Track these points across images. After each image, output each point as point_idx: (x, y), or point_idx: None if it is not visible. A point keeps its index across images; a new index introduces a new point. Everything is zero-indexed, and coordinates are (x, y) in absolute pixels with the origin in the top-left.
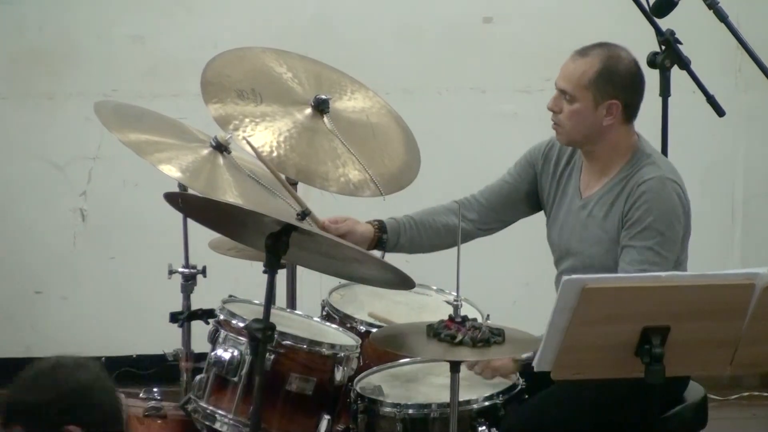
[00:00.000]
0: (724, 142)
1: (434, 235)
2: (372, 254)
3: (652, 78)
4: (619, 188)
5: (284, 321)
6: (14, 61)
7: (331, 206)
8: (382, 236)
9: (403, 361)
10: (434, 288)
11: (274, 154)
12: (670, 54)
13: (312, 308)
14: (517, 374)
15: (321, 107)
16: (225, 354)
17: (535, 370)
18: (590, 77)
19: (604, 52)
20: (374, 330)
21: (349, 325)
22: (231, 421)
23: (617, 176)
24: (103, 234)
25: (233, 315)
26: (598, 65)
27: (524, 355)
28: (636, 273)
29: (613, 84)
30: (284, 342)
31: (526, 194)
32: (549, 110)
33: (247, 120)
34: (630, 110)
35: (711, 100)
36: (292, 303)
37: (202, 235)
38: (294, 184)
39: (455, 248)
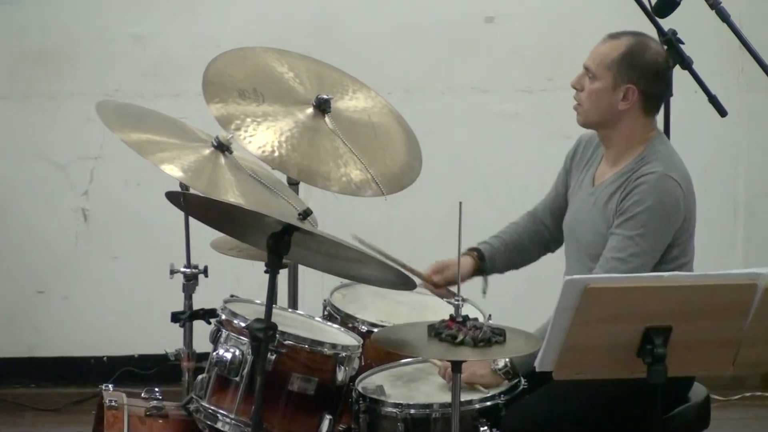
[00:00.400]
0: (726, 142)
1: (522, 252)
2: (373, 254)
3: None
4: (623, 179)
5: (286, 321)
6: (16, 61)
7: (333, 206)
8: (482, 265)
9: (404, 361)
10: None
11: (276, 154)
12: (672, 54)
13: (313, 308)
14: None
15: (322, 107)
16: (227, 354)
17: (537, 370)
18: (613, 58)
19: (634, 38)
20: (375, 330)
21: (350, 325)
22: (233, 421)
23: (625, 168)
24: (105, 234)
25: (235, 315)
26: (624, 48)
27: (501, 363)
28: (610, 259)
29: (634, 69)
30: (286, 342)
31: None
32: (572, 87)
33: (248, 120)
34: (648, 101)
35: (713, 101)
36: (293, 303)
37: (203, 234)
38: (295, 184)
39: (454, 247)
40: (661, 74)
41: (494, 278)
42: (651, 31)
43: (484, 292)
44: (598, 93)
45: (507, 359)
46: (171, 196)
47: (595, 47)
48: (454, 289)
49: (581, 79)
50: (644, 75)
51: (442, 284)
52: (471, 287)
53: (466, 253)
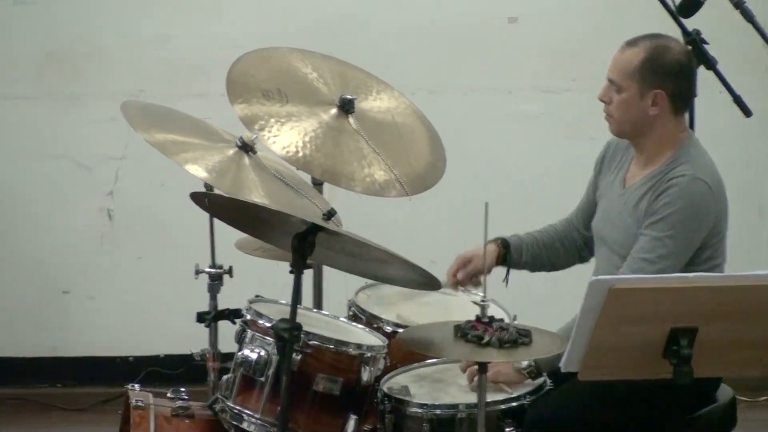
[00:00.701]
0: (751, 142)
1: (554, 253)
2: (398, 254)
3: None
4: (654, 181)
5: (311, 321)
6: (41, 61)
7: (357, 207)
8: (507, 253)
9: (429, 362)
10: (461, 288)
11: (300, 154)
12: (696, 54)
13: (338, 308)
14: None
15: (346, 107)
16: (252, 354)
17: (562, 370)
18: (635, 66)
19: (652, 42)
20: (401, 330)
21: (375, 326)
22: (258, 421)
23: (656, 169)
24: (130, 234)
25: (260, 315)
26: (644, 54)
27: (524, 362)
28: (638, 260)
29: (658, 73)
30: (311, 342)
31: None
32: (600, 100)
33: (272, 120)
34: (678, 101)
35: (738, 101)
36: (318, 303)
37: (228, 235)
38: (320, 185)
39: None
40: (685, 72)
41: (518, 278)
42: (675, 32)
43: (506, 282)
44: (626, 103)
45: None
46: (195, 197)
47: (614, 57)
48: (476, 283)
49: (607, 91)
50: (669, 77)
51: (466, 279)
52: (498, 287)
53: (491, 241)
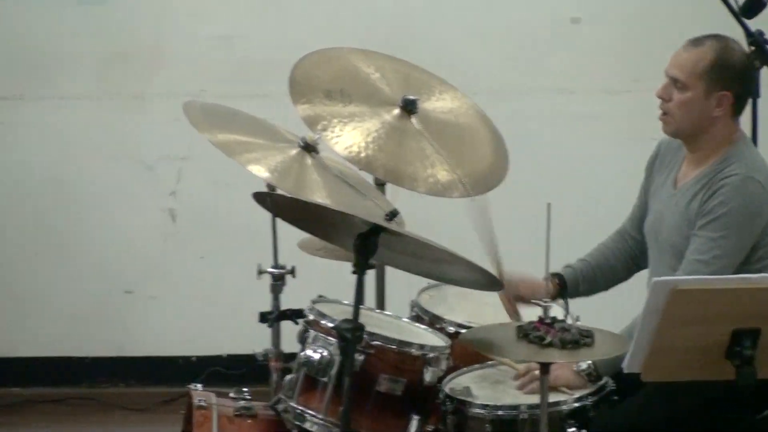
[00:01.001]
0: None
1: (610, 273)
2: (460, 255)
3: None
4: (706, 180)
5: (373, 321)
6: (103, 61)
7: (420, 207)
8: (563, 292)
9: (491, 363)
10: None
11: (363, 154)
12: (759, 55)
13: (401, 309)
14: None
15: (409, 108)
16: (314, 354)
17: (625, 371)
18: (704, 66)
19: (719, 43)
20: (463, 331)
21: (438, 326)
22: (321, 421)
23: (708, 169)
24: (193, 234)
25: (322, 315)
26: (713, 55)
27: (583, 365)
28: (693, 261)
29: (726, 75)
30: (373, 342)
31: None
32: (658, 98)
33: (335, 120)
34: (740, 103)
35: None
36: (380, 303)
37: (291, 235)
38: (382, 185)
39: (541, 247)
40: (749, 74)
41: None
42: (736, 32)
43: (567, 316)
44: (689, 103)
45: (590, 362)
46: (258, 197)
47: (677, 55)
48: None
49: (668, 88)
50: (737, 79)
51: (516, 299)
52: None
53: (549, 278)
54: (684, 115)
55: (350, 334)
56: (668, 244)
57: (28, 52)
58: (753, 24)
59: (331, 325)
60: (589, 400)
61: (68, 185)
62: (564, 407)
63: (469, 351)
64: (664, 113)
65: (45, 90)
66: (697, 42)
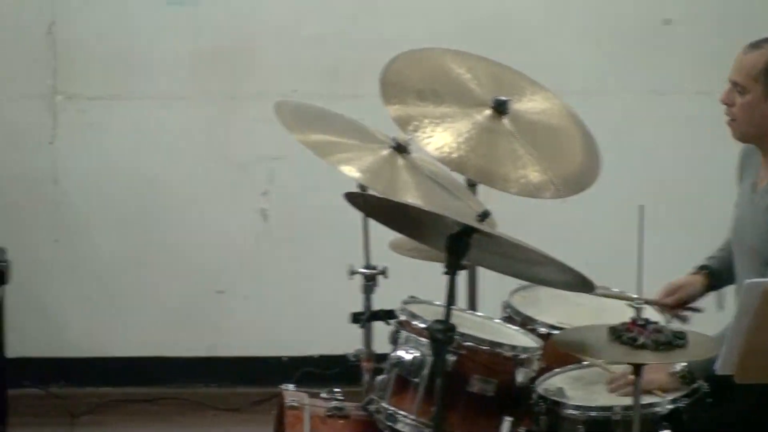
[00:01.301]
0: None
1: None
2: (552, 256)
3: None
4: None
5: (465, 322)
6: (195, 61)
7: (511, 207)
8: (713, 280)
9: (585, 364)
10: (615, 290)
11: (454, 155)
12: None
13: (492, 309)
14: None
15: (500, 108)
16: (406, 355)
17: (718, 373)
18: (760, 69)
19: None
20: (555, 332)
21: (530, 327)
22: (413, 422)
23: None
24: (285, 234)
25: (414, 316)
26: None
27: (678, 366)
28: None
29: None
30: (465, 343)
31: None
32: (722, 103)
33: (426, 121)
34: None
35: None
36: (472, 304)
37: (382, 235)
38: (473, 186)
39: (633, 251)
40: None
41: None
42: None
43: (722, 307)
44: (750, 106)
45: (684, 363)
46: (350, 197)
47: (737, 59)
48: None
49: (730, 94)
50: None
51: (674, 305)
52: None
53: (696, 272)
54: (747, 119)
55: (442, 335)
56: (750, 247)
57: (123, 52)
58: None
59: (423, 325)
60: (683, 403)
61: (161, 185)
62: (658, 409)
63: (561, 352)
64: (731, 119)
65: (139, 90)
66: (755, 45)
